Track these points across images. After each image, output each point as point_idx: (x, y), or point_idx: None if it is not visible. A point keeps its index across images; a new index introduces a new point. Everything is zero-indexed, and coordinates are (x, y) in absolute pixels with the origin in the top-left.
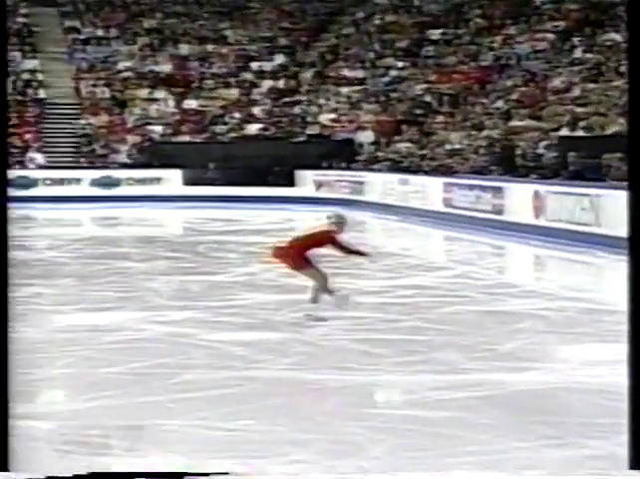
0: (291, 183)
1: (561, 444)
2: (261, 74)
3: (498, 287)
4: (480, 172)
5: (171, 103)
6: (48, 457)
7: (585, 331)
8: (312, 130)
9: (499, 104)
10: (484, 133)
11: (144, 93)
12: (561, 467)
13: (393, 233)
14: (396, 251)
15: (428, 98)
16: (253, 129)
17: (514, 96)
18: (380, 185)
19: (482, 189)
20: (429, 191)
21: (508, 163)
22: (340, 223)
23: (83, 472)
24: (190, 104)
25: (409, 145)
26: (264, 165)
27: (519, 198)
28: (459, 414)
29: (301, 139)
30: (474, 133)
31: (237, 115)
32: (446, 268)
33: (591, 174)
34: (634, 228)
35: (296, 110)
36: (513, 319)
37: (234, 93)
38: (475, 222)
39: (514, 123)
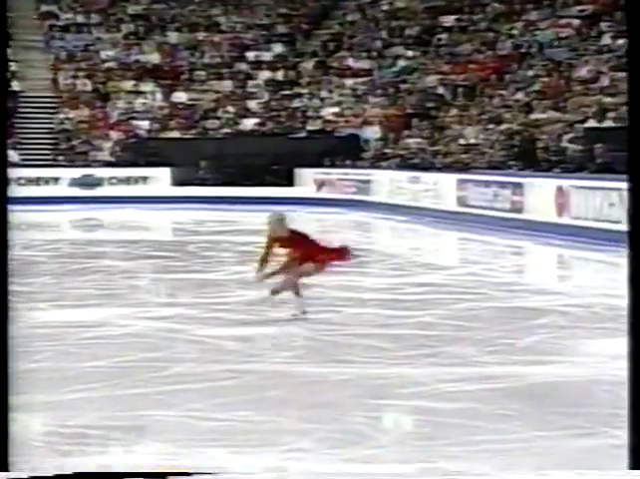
0: (290, 182)
1: (583, 434)
2: (258, 64)
3: (517, 285)
4: (497, 167)
5: (159, 96)
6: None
7: (610, 327)
8: (313, 125)
9: (519, 95)
10: (502, 126)
11: (128, 85)
12: (582, 456)
13: (401, 234)
14: (404, 253)
15: (440, 90)
16: (249, 124)
17: (536, 87)
18: (388, 183)
19: (501, 185)
20: (441, 189)
21: (529, 157)
22: (280, 220)
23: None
24: (180, 97)
25: (419, 140)
26: (261, 163)
27: (541, 194)
28: (473, 405)
29: (301, 135)
30: (490, 127)
31: (231, 109)
32: (459, 267)
33: (622, 166)
34: (634, 223)
35: (296, 103)
36: (534, 315)
37: (228, 85)
38: (492, 221)
39: (536, 115)
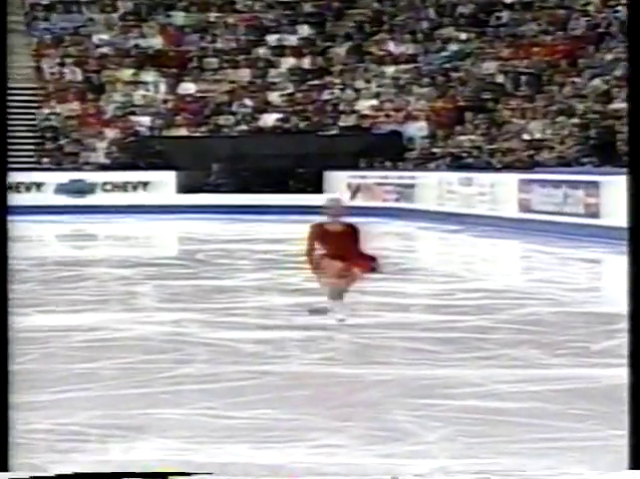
0: (319, 188)
1: None
2: (280, 50)
3: (590, 291)
4: (568, 164)
5: (163, 87)
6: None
7: None
8: (347, 121)
9: (596, 82)
10: (575, 120)
11: (126, 74)
12: None
13: (452, 246)
14: (455, 265)
15: (499, 78)
16: (270, 120)
17: (617, 72)
18: (435, 187)
19: (572, 185)
20: (500, 191)
21: (607, 152)
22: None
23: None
24: (188, 88)
25: (474, 137)
26: (284, 166)
27: (622, 195)
28: (538, 405)
29: (332, 132)
30: (560, 119)
31: (249, 102)
32: (520, 274)
33: None
34: (635, 218)
35: (326, 95)
36: (611, 320)
37: (245, 74)
38: (561, 229)
39: (616, 105)
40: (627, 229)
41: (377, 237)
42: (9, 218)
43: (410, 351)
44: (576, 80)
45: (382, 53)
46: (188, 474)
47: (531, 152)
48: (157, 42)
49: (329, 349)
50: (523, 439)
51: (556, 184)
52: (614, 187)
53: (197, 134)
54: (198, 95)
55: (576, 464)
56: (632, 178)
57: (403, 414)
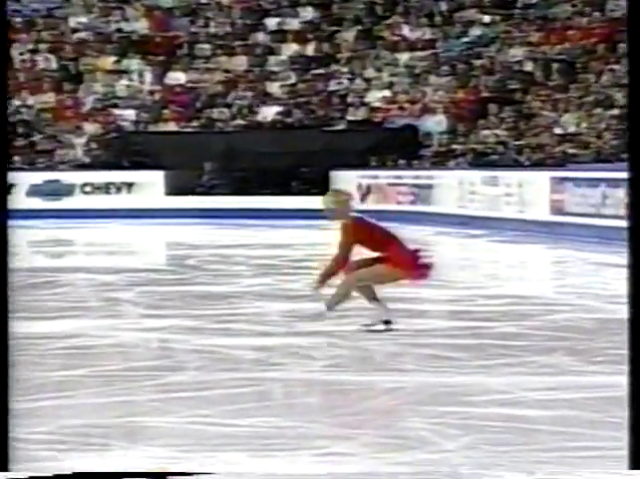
0: (325, 189)
1: None
2: (281, 35)
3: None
4: (606, 160)
5: (149, 77)
6: None
7: None
8: (356, 114)
9: None
10: (614, 111)
11: (108, 62)
12: None
13: (474, 253)
14: (479, 272)
15: (528, 66)
16: (269, 114)
17: None
18: (456, 188)
19: (612, 183)
20: (529, 192)
21: None
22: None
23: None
24: (177, 78)
25: (499, 132)
26: (285, 165)
27: None
28: (572, 413)
29: (340, 127)
30: (597, 111)
31: (246, 94)
32: (550, 280)
33: None
34: (634, 218)
35: (332, 86)
36: None
37: (241, 62)
38: (599, 233)
39: None
40: (627, 228)
41: None
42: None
43: (426, 358)
44: (615, 67)
45: (395, 38)
46: (188, 474)
47: (565, 147)
48: (141, 26)
49: (336, 356)
50: (554, 448)
51: (593, 182)
52: None
53: (188, 129)
54: (189, 85)
55: (614, 474)
56: (632, 178)
57: (419, 422)
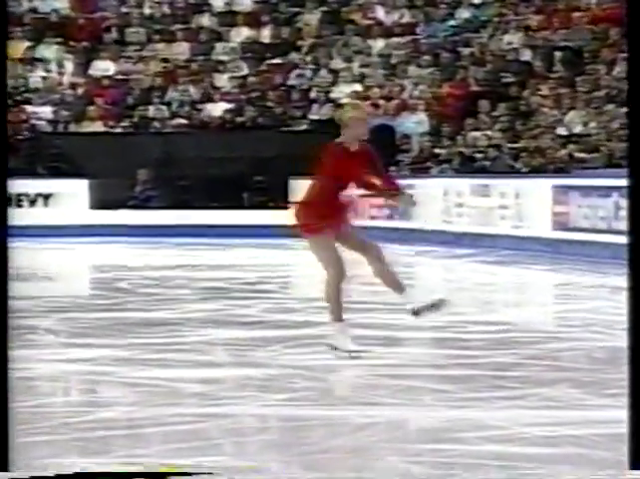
0: (283, 202)
1: None
2: (230, 18)
3: None
4: (618, 166)
5: (70, 67)
6: None
7: None
8: (320, 112)
9: None
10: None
11: (19, 49)
12: None
13: (462, 274)
14: (467, 300)
15: (526, 55)
16: (216, 111)
17: None
18: (441, 199)
19: (626, 193)
20: (527, 203)
21: None
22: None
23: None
24: (104, 69)
25: (491, 133)
26: (236, 172)
27: None
28: (581, 451)
29: (301, 128)
30: (608, 108)
31: (188, 88)
32: (553, 304)
33: None
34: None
35: (293, 79)
36: None
37: (183, 50)
38: (611, 252)
39: None
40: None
41: (363, 263)
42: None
43: (406, 391)
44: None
45: (367, 22)
46: (189, 474)
47: (569, 150)
48: (61, 5)
49: (299, 389)
50: None
51: (604, 191)
52: None
53: (118, 130)
54: (119, 77)
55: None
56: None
57: (400, 461)
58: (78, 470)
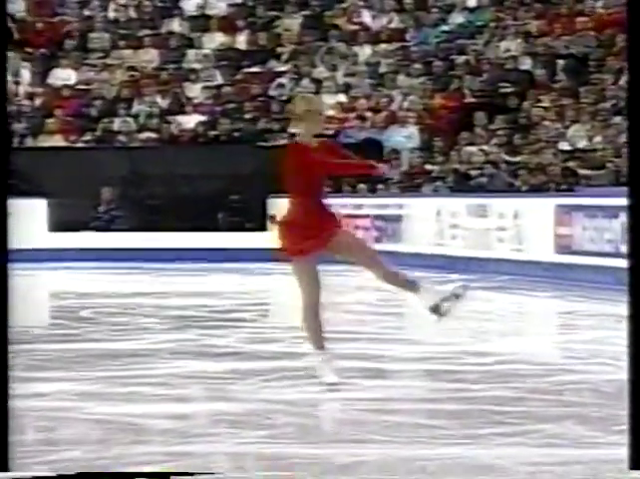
0: (261, 223)
1: None
2: (204, 22)
3: None
4: (626, 183)
5: (27, 75)
6: None
7: None
8: None
9: None
10: None
11: None
12: None
13: (456, 308)
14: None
15: (526, 63)
16: (189, 124)
17: None
18: (433, 220)
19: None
20: (527, 224)
21: None
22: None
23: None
24: (65, 78)
25: (487, 148)
26: (210, 191)
27: None
28: None
29: (281, 142)
30: (615, 121)
31: (158, 99)
32: (557, 334)
33: None
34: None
35: (272, 89)
36: None
37: (151, 57)
38: (619, 277)
39: None
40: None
41: (346, 290)
42: None
43: (396, 427)
44: None
45: (353, 27)
46: (191, 474)
47: (573, 167)
48: (17, 8)
49: (280, 425)
50: None
51: (611, 211)
52: None
53: (80, 144)
54: (81, 87)
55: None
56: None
57: None
58: None
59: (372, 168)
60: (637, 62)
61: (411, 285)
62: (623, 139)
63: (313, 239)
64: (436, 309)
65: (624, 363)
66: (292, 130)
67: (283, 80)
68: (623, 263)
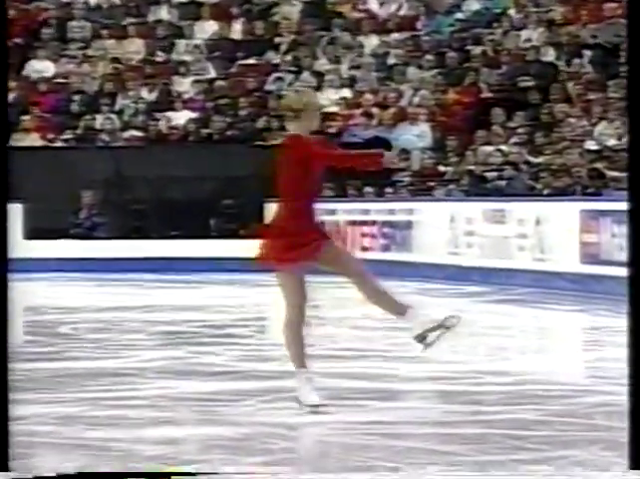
0: (258, 230)
1: None
2: (194, 9)
3: None
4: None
5: None
6: None
7: None
8: None
9: None
10: None
11: None
12: None
13: (473, 319)
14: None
15: (549, 55)
16: (178, 121)
17: None
18: (447, 227)
19: None
20: (550, 231)
21: None
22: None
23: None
24: (43, 70)
25: (506, 148)
26: (202, 195)
27: None
28: None
29: (279, 141)
30: None
31: (144, 94)
32: (583, 351)
33: None
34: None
35: (269, 83)
36: None
37: (137, 49)
38: None
39: None
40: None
41: (351, 304)
42: None
43: (406, 452)
44: None
45: (358, 15)
46: (192, 474)
47: (600, 168)
48: None
49: (279, 450)
50: None
51: None
52: None
53: (58, 143)
54: (60, 81)
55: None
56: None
57: None
58: None
59: (377, 157)
60: (637, 62)
61: (398, 308)
62: None
63: (302, 248)
64: (422, 339)
65: None
66: (287, 127)
67: (282, 73)
68: None
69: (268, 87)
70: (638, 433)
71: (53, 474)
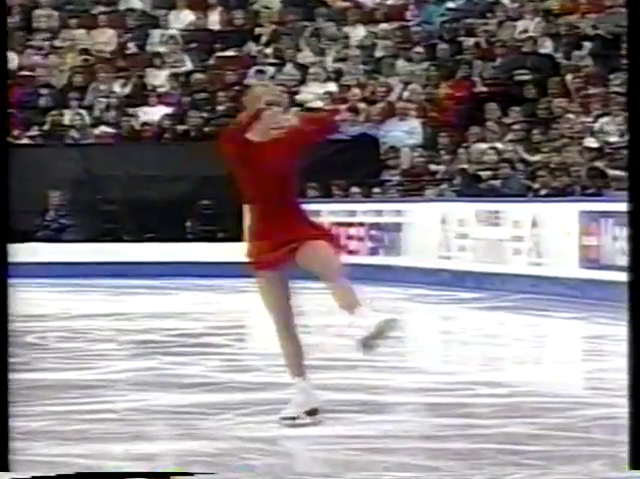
0: (236, 232)
1: None
2: None
3: None
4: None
5: None
6: None
7: None
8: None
9: None
10: None
11: None
12: None
13: (465, 327)
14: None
15: (547, 46)
16: (153, 117)
17: None
18: (438, 229)
19: None
20: (548, 234)
21: None
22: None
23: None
24: (8, 62)
25: (501, 146)
26: (177, 195)
27: None
28: None
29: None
30: None
31: (116, 88)
32: (582, 361)
33: None
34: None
35: (249, 76)
36: None
37: (108, 39)
38: None
39: None
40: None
41: (337, 311)
42: None
43: (396, 468)
44: None
45: (344, 4)
46: (191, 474)
47: (601, 167)
48: None
49: (261, 466)
50: None
51: None
52: None
53: (24, 140)
54: (25, 74)
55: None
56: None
57: None
58: None
59: (330, 119)
60: (637, 62)
61: (351, 305)
62: None
63: (275, 252)
64: (365, 345)
65: None
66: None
67: (262, 66)
68: None
69: (248, 81)
70: (638, 434)
71: (53, 474)
